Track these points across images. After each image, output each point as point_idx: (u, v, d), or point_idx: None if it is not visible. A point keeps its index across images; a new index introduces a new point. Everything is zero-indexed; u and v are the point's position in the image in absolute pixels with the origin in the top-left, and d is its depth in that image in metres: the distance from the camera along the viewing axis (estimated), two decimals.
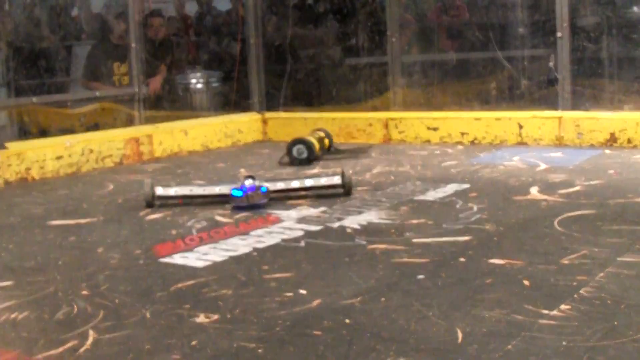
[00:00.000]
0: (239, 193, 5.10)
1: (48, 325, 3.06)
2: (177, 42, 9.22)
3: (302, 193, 5.36)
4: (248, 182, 5.15)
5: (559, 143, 7.21)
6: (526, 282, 3.29)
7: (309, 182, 5.40)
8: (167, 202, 5.31)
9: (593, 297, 3.07)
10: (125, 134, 7.59)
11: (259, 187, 5.15)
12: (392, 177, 5.98)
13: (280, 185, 5.35)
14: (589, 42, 7.40)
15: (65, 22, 8.12)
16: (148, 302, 3.26)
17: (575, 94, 7.40)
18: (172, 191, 5.38)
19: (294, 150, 6.86)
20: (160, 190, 5.33)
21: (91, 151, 7.15)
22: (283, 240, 4.22)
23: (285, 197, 5.30)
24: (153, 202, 5.27)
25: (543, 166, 6.17)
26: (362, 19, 8.81)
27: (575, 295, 3.08)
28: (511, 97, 7.88)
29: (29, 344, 2.88)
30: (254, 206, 5.06)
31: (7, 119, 7.39)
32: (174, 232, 4.53)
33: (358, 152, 7.31)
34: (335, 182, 5.33)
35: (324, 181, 5.41)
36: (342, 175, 5.31)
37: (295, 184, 5.40)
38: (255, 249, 4.05)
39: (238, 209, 5.05)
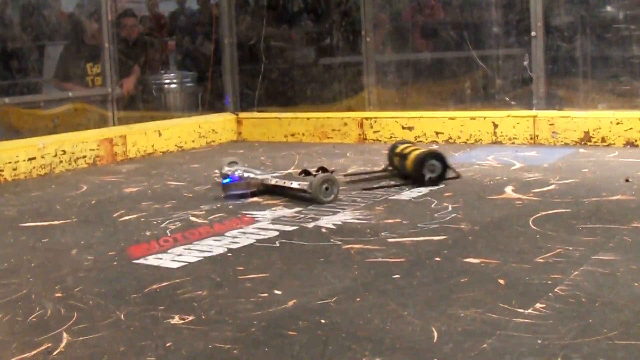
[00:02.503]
0: (227, 180, 5.41)
1: (21, 328, 3.04)
2: (151, 42, 9.18)
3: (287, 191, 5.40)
4: (238, 173, 5.45)
5: (534, 142, 7.24)
6: (501, 281, 3.29)
7: (288, 183, 5.38)
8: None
9: (568, 295, 3.07)
10: (98, 135, 7.56)
11: (242, 178, 5.40)
12: (367, 177, 5.97)
13: (265, 179, 5.45)
14: (563, 42, 7.42)
15: (37, 22, 8.05)
16: (122, 304, 3.24)
17: (550, 93, 7.43)
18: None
19: None
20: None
21: (64, 152, 7.11)
22: (258, 240, 4.21)
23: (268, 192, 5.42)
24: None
25: (518, 165, 6.19)
26: (337, 18, 8.81)
27: (550, 294, 3.09)
28: (486, 96, 7.89)
29: (2, 346, 2.85)
30: (238, 195, 5.34)
31: None
32: (148, 233, 4.51)
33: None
34: (304, 187, 5.21)
35: (295, 184, 5.33)
36: (310, 183, 5.14)
37: (280, 181, 5.42)
38: (230, 250, 4.04)
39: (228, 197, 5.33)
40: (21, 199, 5.88)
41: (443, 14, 8.32)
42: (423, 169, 5.48)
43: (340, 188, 5.27)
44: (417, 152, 5.66)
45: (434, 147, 5.95)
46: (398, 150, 5.89)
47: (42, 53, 8.07)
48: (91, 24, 8.12)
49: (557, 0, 7.49)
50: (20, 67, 7.72)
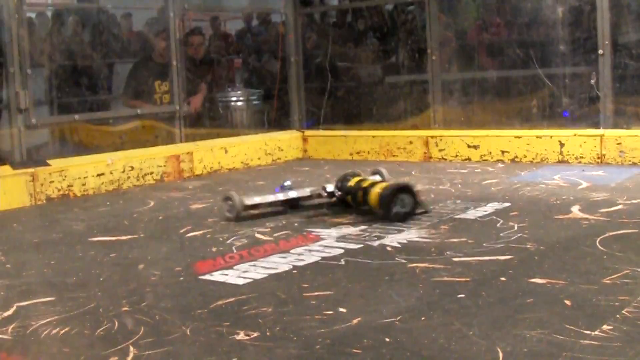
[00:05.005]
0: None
1: (89, 341, 3.08)
2: (218, 60, 9.27)
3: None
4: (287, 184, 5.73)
5: (601, 161, 7.16)
6: (567, 302, 3.26)
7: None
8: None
9: (635, 317, 3.03)
10: (166, 152, 7.65)
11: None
12: (432, 196, 5.96)
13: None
14: (630, 60, 7.34)
15: (107, 40, 8.18)
16: (188, 319, 3.27)
17: (617, 111, 7.35)
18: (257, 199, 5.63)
19: None
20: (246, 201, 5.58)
21: (132, 168, 7.21)
22: (323, 258, 4.22)
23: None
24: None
25: (584, 184, 6.12)
26: (402, 37, 8.82)
27: (618, 316, 3.05)
28: (552, 115, 7.83)
29: (71, 359, 2.90)
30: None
31: (49, 136, 7.45)
32: (214, 249, 4.55)
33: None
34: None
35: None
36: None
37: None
38: (295, 267, 4.05)
39: None
40: (90, 214, 5.97)
41: (508, 33, 8.28)
42: (392, 203, 5.03)
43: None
44: (382, 185, 5.23)
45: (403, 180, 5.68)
46: (351, 183, 5.39)
47: (111, 71, 8.21)
48: (159, 42, 8.22)
49: (625, 18, 7.41)
50: (90, 84, 7.84)
